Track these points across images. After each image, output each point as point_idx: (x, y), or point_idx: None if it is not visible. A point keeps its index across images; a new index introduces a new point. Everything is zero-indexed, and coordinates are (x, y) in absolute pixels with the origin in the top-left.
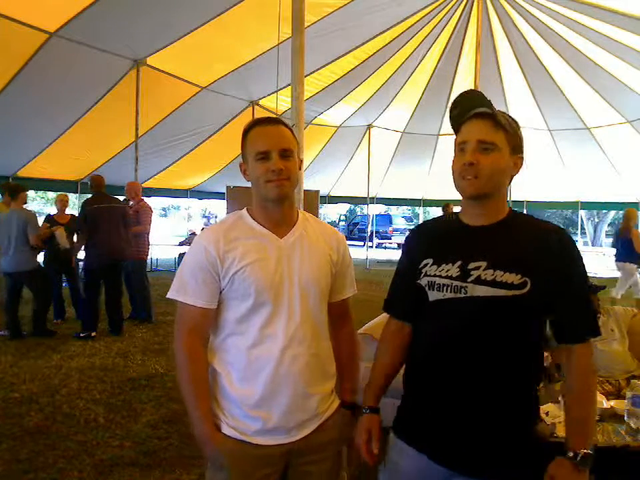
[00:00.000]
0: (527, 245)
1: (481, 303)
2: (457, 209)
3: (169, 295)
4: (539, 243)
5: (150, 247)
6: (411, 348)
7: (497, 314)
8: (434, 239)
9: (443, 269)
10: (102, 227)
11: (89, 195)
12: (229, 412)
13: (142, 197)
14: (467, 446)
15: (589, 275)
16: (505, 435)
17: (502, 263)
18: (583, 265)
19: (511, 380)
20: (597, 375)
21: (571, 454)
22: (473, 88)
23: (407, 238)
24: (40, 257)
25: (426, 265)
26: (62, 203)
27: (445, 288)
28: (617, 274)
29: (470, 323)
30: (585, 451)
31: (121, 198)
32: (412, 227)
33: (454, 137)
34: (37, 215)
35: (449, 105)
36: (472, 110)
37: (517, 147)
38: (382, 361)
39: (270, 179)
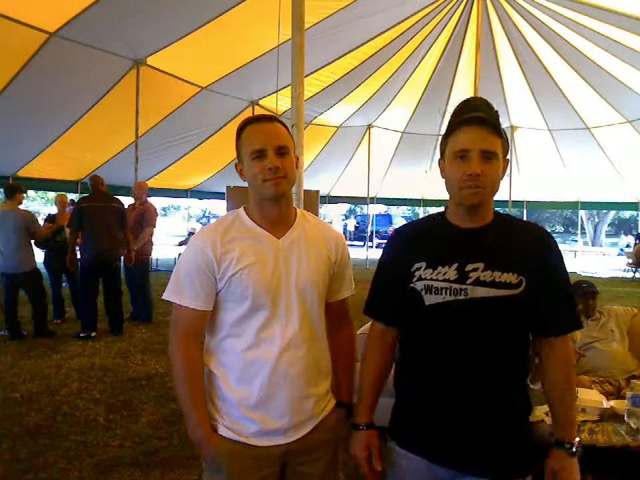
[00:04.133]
0: (519, 246)
1: (482, 304)
2: None
3: (164, 297)
4: (529, 243)
5: (152, 245)
6: (405, 352)
7: (498, 313)
8: (423, 241)
9: (440, 272)
10: (96, 226)
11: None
12: (225, 413)
13: (147, 198)
14: (470, 446)
15: (587, 274)
16: (505, 432)
17: (499, 263)
18: (564, 264)
19: (508, 377)
20: (575, 368)
21: (567, 445)
22: (479, 96)
23: (391, 240)
24: (39, 257)
25: (419, 268)
26: (62, 204)
27: (443, 291)
28: (616, 274)
29: (472, 324)
30: (577, 439)
31: (128, 200)
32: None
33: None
34: (37, 214)
35: (454, 107)
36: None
37: (506, 152)
38: (372, 373)
39: (267, 177)
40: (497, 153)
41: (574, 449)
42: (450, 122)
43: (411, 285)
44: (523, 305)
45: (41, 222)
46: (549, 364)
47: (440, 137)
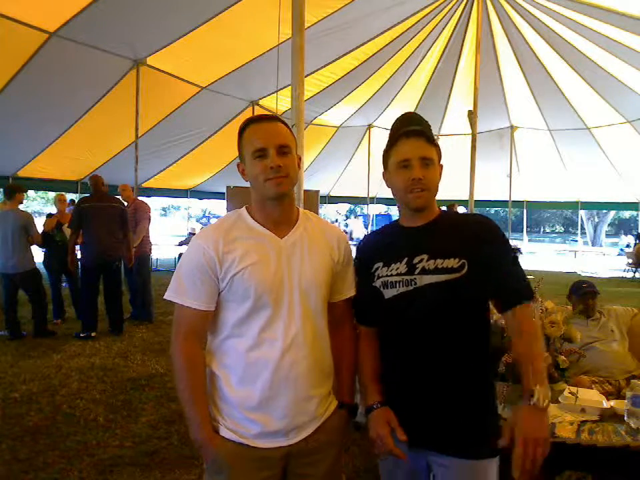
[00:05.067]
0: (459, 234)
1: (429, 290)
2: (460, 209)
3: (166, 296)
4: (469, 230)
5: (151, 243)
6: (380, 345)
7: (445, 297)
8: (381, 244)
9: (393, 268)
10: (96, 226)
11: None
12: (227, 415)
13: (135, 197)
14: (438, 425)
15: (587, 274)
16: (470, 411)
17: (441, 252)
18: (508, 244)
19: (468, 358)
20: (542, 337)
21: (530, 395)
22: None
23: (357, 250)
24: (39, 257)
25: (377, 268)
26: (61, 203)
27: (397, 284)
28: (616, 274)
29: (424, 309)
30: (543, 392)
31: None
32: None
33: (451, 138)
34: (37, 214)
35: (393, 123)
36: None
37: (440, 157)
38: (369, 363)
39: (268, 176)
40: (433, 159)
41: (533, 399)
42: (390, 136)
43: (373, 284)
44: (468, 286)
45: (40, 223)
46: (512, 336)
47: (439, 137)
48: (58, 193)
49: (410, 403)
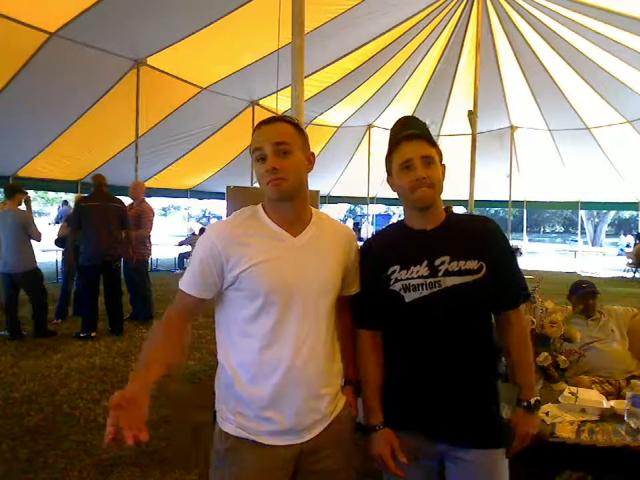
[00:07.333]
0: (472, 236)
1: (455, 292)
2: (457, 209)
3: (179, 286)
4: (480, 232)
5: (151, 247)
6: (391, 347)
7: (468, 298)
8: (393, 247)
9: (413, 271)
10: (94, 225)
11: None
12: (239, 412)
13: (144, 198)
14: (461, 420)
15: (587, 274)
16: (487, 403)
17: (460, 254)
18: (509, 244)
19: (483, 355)
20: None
21: (525, 403)
22: (411, 115)
23: (364, 251)
24: (50, 256)
25: (394, 271)
26: None
27: (420, 287)
28: (616, 274)
29: (449, 310)
30: (535, 398)
31: (128, 201)
32: None
33: (451, 139)
34: (37, 214)
35: (392, 127)
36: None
37: (441, 158)
38: (372, 378)
39: (267, 179)
40: (434, 158)
41: (531, 406)
42: (390, 141)
43: (390, 287)
44: (487, 287)
45: (41, 223)
46: (508, 338)
47: (439, 137)
48: (77, 194)
49: (429, 398)
